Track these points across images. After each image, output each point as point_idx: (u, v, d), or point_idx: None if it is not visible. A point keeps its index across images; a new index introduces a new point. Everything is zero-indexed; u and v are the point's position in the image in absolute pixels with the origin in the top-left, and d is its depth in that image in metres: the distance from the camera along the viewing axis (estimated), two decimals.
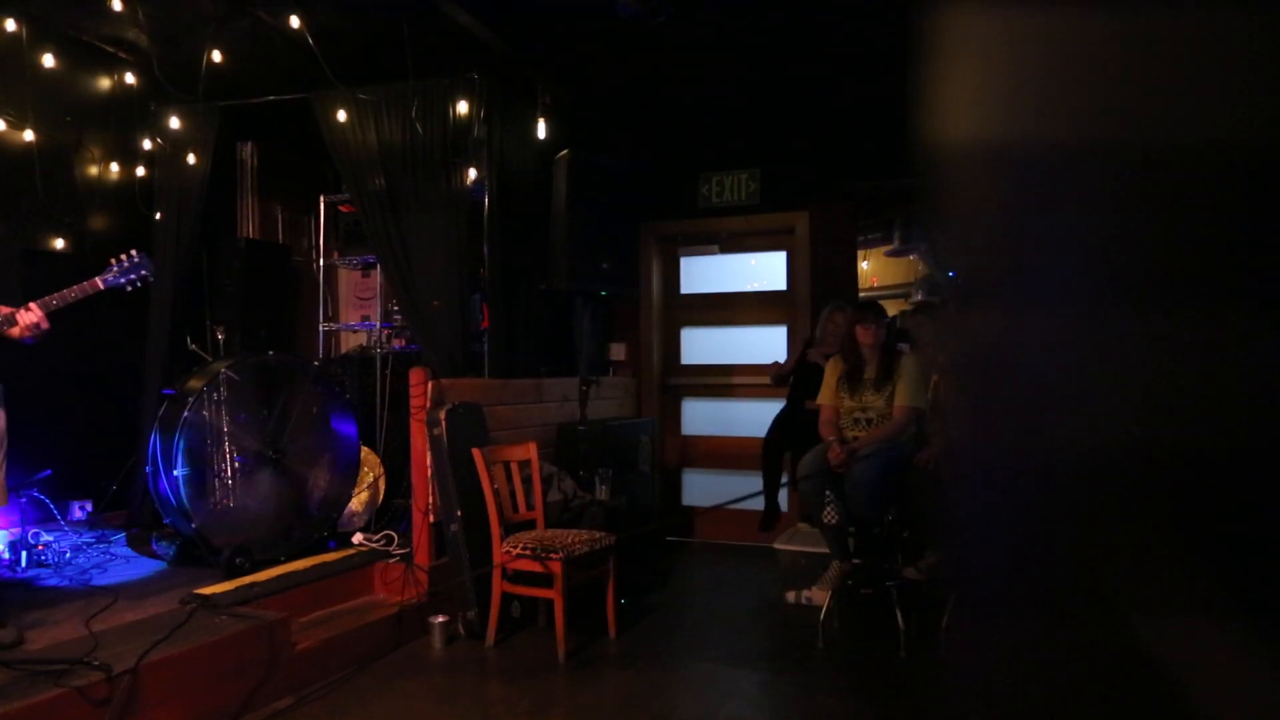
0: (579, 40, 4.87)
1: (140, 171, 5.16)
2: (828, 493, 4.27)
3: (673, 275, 6.68)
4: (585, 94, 5.58)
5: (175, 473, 3.84)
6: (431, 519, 4.24)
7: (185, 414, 3.89)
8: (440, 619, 3.96)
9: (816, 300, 5.79)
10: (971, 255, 0.78)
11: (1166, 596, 0.61)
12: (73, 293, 3.22)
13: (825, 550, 4.46)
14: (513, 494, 4.19)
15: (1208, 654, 0.59)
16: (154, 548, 4.27)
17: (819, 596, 4.37)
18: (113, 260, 3.43)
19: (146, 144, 5.12)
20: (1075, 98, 0.67)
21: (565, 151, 5.18)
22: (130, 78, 5.09)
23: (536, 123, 5.15)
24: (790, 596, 4.66)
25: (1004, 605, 0.77)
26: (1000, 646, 0.78)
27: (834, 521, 4.25)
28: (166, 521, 4.26)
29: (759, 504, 6.28)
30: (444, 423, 4.19)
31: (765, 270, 6.44)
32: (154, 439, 4.01)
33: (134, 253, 3.44)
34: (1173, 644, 0.61)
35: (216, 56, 4.60)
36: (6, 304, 3.14)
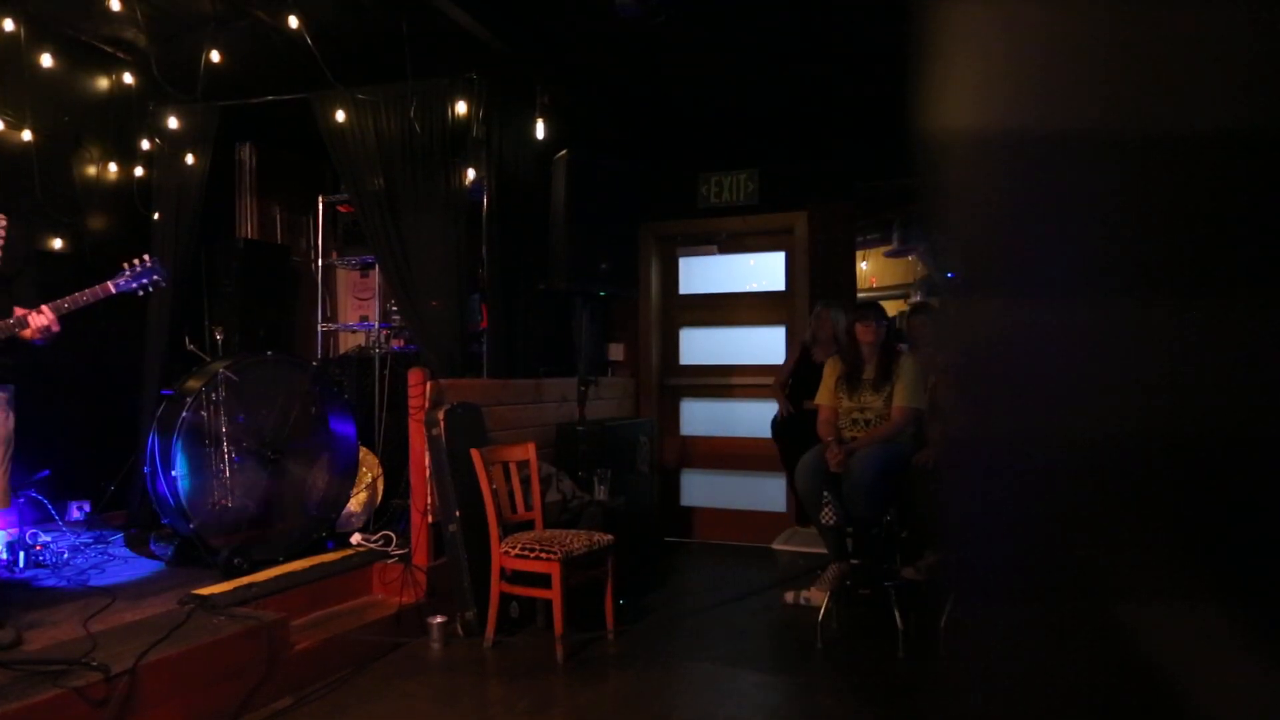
0: (578, 41, 4.87)
1: (139, 171, 5.16)
2: (826, 493, 4.27)
3: (672, 275, 6.68)
4: (585, 94, 5.58)
5: (173, 473, 3.84)
6: (430, 519, 4.24)
7: (184, 414, 3.88)
8: (439, 619, 3.96)
9: (815, 301, 5.79)
10: (971, 250, 0.78)
11: (1168, 593, 0.61)
12: (84, 296, 3.23)
13: (823, 551, 4.47)
14: (511, 494, 4.19)
15: (1208, 651, 0.59)
16: (152, 548, 4.27)
17: (817, 597, 4.37)
18: (125, 264, 3.43)
19: (145, 144, 5.12)
20: (1074, 89, 0.67)
21: (564, 152, 5.17)
22: (129, 78, 5.09)
23: (535, 123, 5.16)
24: (789, 597, 4.66)
25: (1004, 603, 0.76)
26: (1000, 644, 0.78)
27: (832, 522, 4.25)
28: (165, 522, 4.26)
29: (761, 505, 6.28)
30: (442, 423, 4.19)
31: (764, 271, 6.44)
32: (152, 439, 4.01)
33: (146, 258, 3.46)
34: (1174, 642, 0.61)
35: (215, 56, 4.60)
36: (19, 306, 3.14)
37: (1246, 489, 0.55)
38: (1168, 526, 0.61)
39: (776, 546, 4.89)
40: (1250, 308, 0.54)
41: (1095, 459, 0.66)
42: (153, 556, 4.23)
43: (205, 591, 3.48)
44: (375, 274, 5.63)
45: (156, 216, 4.99)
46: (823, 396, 4.66)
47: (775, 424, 5.47)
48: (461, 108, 4.76)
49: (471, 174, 4.88)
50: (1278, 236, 0.53)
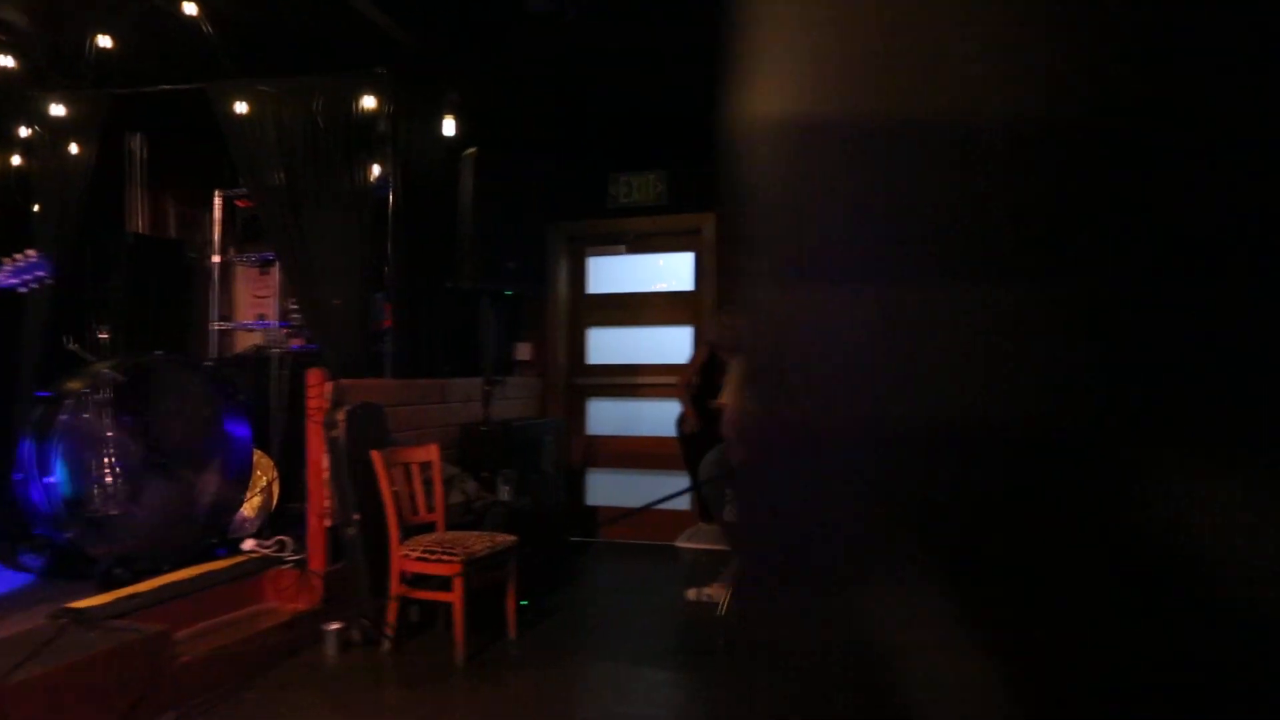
0: (489, 37, 4.82)
1: (16, 160, 4.90)
2: (729, 491, 4.33)
3: (580, 275, 6.67)
4: (495, 92, 5.53)
5: (49, 479, 3.66)
6: (328, 523, 4.15)
7: (62, 417, 3.71)
8: (335, 626, 3.88)
9: (723, 300, 5.87)
10: (770, 238, 0.77)
11: (937, 580, 0.61)
12: None
13: (727, 547, 4.53)
14: (412, 496, 4.14)
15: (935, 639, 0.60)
16: (21, 560, 4.05)
17: (719, 593, 4.43)
18: (5, 260, 3.27)
19: (24, 131, 4.86)
20: (882, 76, 0.67)
21: (473, 149, 5.13)
22: (8, 60, 4.81)
23: (444, 119, 5.09)
24: (691, 594, 4.72)
25: (793, 586, 0.75)
26: (784, 633, 0.77)
27: (735, 519, 4.31)
28: (37, 532, 4.04)
29: (666, 503, 6.32)
30: (342, 424, 4.10)
31: (672, 271, 6.49)
32: (26, 444, 3.82)
33: (30, 252, 3.30)
34: (913, 630, 0.61)
35: (105, 41, 4.40)
36: None
37: (1034, 474, 0.56)
38: (954, 510, 0.61)
39: (680, 544, 4.93)
40: (1043, 299, 0.55)
41: (888, 448, 0.66)
42: (22, 569, 4.01)
43: (81, 605, 3.32)
44: (275, 271, 5.48)
45: (36, 208, 4.76)
46: (729, 395, 4.72)
47: (680, 424, 5.52)
48: (368, 102, 4.69)
49: (377, 170, 4.80)
50: (1075, 226, 0.54)
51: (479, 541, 3.93)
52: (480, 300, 5.54)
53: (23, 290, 3.35)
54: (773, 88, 0.77)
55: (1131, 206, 0.52)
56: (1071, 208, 0.55)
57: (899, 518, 0.64)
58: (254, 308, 5.78)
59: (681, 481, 6.07)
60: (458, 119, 5.11)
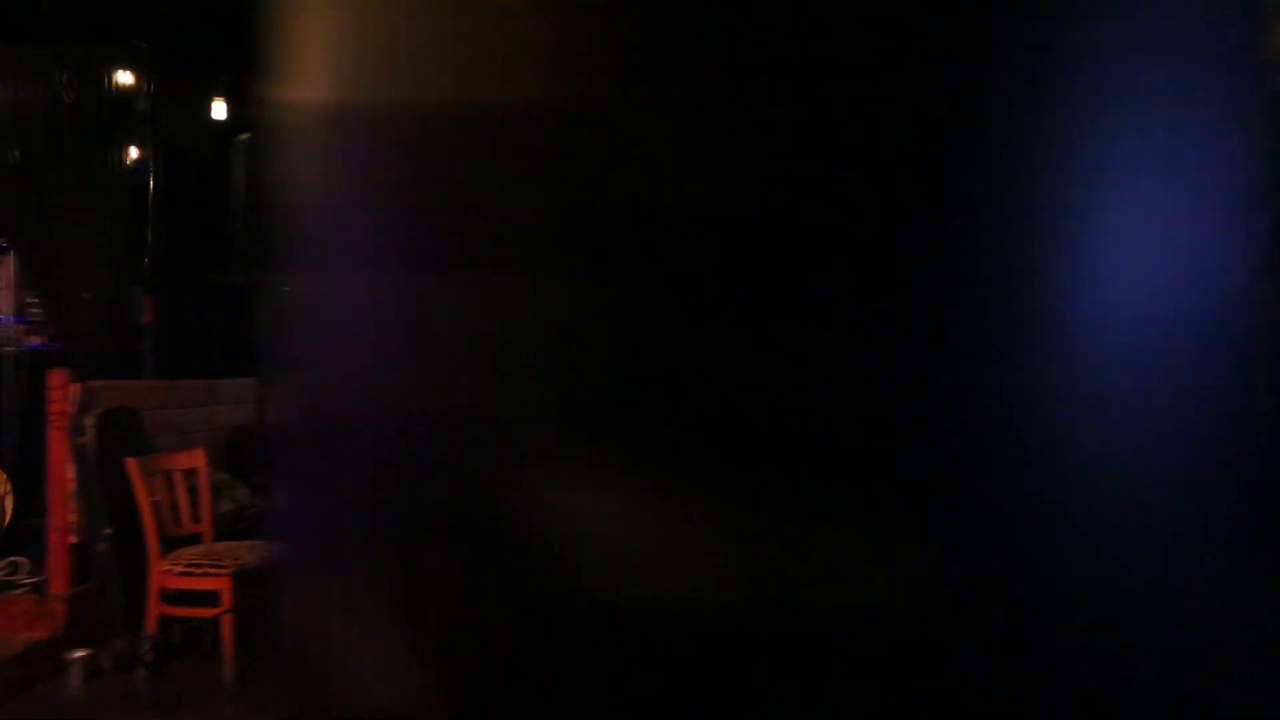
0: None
1: None
2: None
3: None
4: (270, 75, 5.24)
5: None
6: (73, 540, 3.77)
7: None
8: (80, 653, 3.51)
9: None
10: (300, 226, 0.76)
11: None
12: None
13: None
14: (175, 506, 3.84)
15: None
16: None
17: None
18: None
19: None
20: (410, 57, 0.67)
21: (246, 134, 4.84)
22: None
23: (213, 102, 4.78)
24: None
25: (327, 577, 0.73)
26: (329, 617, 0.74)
27: None
28: None
29: None
30: (92, 430, 3.76)
31: None
32: None
33: None
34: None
35: None
36: None
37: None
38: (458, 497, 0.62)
39: None
40: (566, 290, 0.56)
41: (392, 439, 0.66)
42: None
43: None
44: (9, 260, 4.94)
45: None
46: None
47: None
48: (125, 77, 4.36)
49: (136, 152, 4.46)
50: (603, 219, 0.56)
51: (252, 551, 3.71)
52: (253, 295, 5.23)
53: None
54: (306, 75, 0.75)
55: (671, 205, 0.55)
56: (603, 201, 0.56)
57: (360, 512, 0.64)
58: None
59: None
60: (230, 102, 4.81)
